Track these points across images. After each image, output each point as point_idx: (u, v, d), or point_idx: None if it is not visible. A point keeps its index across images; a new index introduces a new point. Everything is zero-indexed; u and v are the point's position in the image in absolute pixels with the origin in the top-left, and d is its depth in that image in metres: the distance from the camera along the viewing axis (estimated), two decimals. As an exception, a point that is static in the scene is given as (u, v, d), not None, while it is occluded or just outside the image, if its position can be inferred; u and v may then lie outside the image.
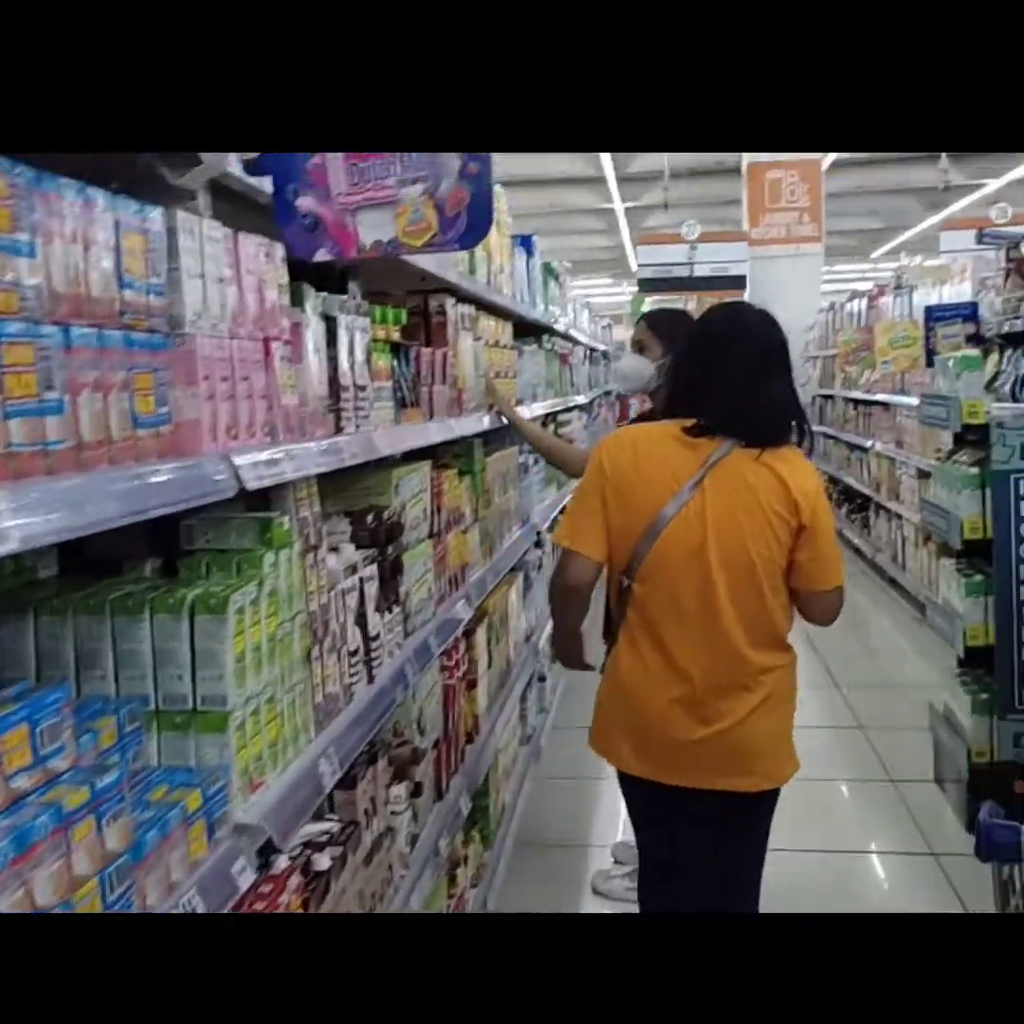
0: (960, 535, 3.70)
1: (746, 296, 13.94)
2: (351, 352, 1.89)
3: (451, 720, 2.75)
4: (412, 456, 2.61)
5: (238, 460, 1.27)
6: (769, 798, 2.25)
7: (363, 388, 1.96)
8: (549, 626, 4.88)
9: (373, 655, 2.00)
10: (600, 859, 3.76)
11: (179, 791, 1.17)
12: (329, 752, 1.60)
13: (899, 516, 7.57)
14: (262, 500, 1.60)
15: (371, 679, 1.99)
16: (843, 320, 9.74)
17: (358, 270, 2.31)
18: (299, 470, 1.51)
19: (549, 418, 5.33)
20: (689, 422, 2.17)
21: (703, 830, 2.24)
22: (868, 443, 8.55)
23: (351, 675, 1.88)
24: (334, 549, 1.99)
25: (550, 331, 5.38)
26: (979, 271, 6.09)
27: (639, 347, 3.45)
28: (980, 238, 9.77)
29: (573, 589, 2.24)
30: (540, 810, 4.14)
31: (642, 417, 3.40)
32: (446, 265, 2.68)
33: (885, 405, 7.91)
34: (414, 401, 2.41)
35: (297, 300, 1.61)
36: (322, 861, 1.69)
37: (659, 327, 3.47)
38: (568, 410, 5.83)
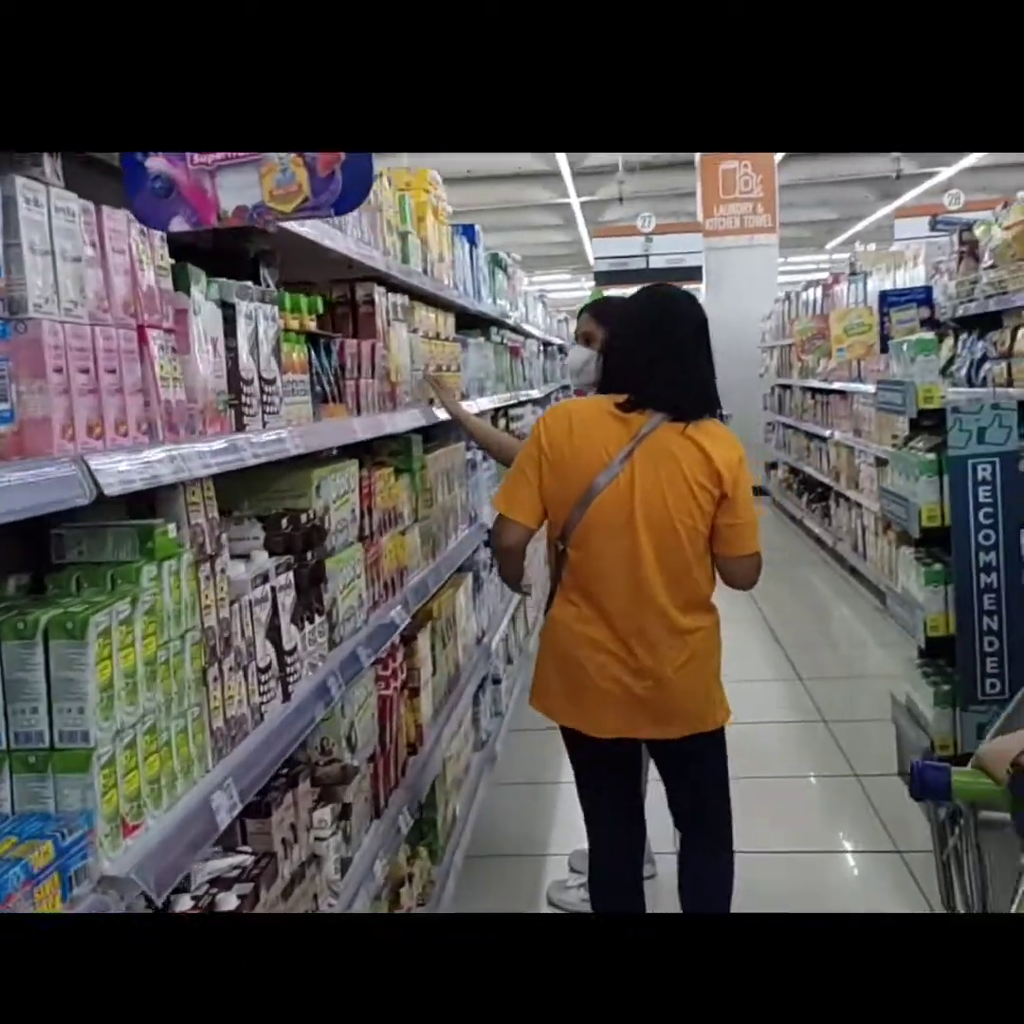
0: (918, 523, 3.59)
1: (702, 287, 13.88)
2: (255, 343, 1.73)
3: (389, 732, 2.60)
4: (344, 453, 2.47)
5: (96, 462, 1.11)
6: (710, 739, 2.42)
7: (271, 381, 1.80)
8: (502, 627, 4.75)
9: (289, 670, 1.85)
10: (556, 869, 3.63)
11: (26, 844, 1.02)
12: (227, 783, 1.44)
13: (859, 505, 7.50)
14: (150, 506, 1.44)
15: (287, 696, 1.84)
16: (799, 309, 9.68)
17: (273, 256, 2.15)
18: (181, 472, 1.35)
19: (499, 412, 5.18)
20: (621, 398, 2.31)
21: (670, 771, 2.50)
22: (827, 432, 8.49)
23: (262, 694, 1.73)
24: (245, 557, 1.84)
25: (498, 324, 5.23)
26: (932, 256, 6.02)
27: (586, 339, 3.32)
28: (934, 225, 9.75)
29: (507, 550, 2.46)
30: (495, 819, 4.00)
31: None
32: (373, 252, 2.53)
33: (842, 393, 7.84)
34: (337, 396, 2.26)
35: (182, 284, 1.45)
36: (228, 900, 1.54)
37: (604, 317, 3.34)
38: (520, 404, 5.69)
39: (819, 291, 8.82)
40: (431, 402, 3.35)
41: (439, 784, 3.21)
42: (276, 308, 1.84)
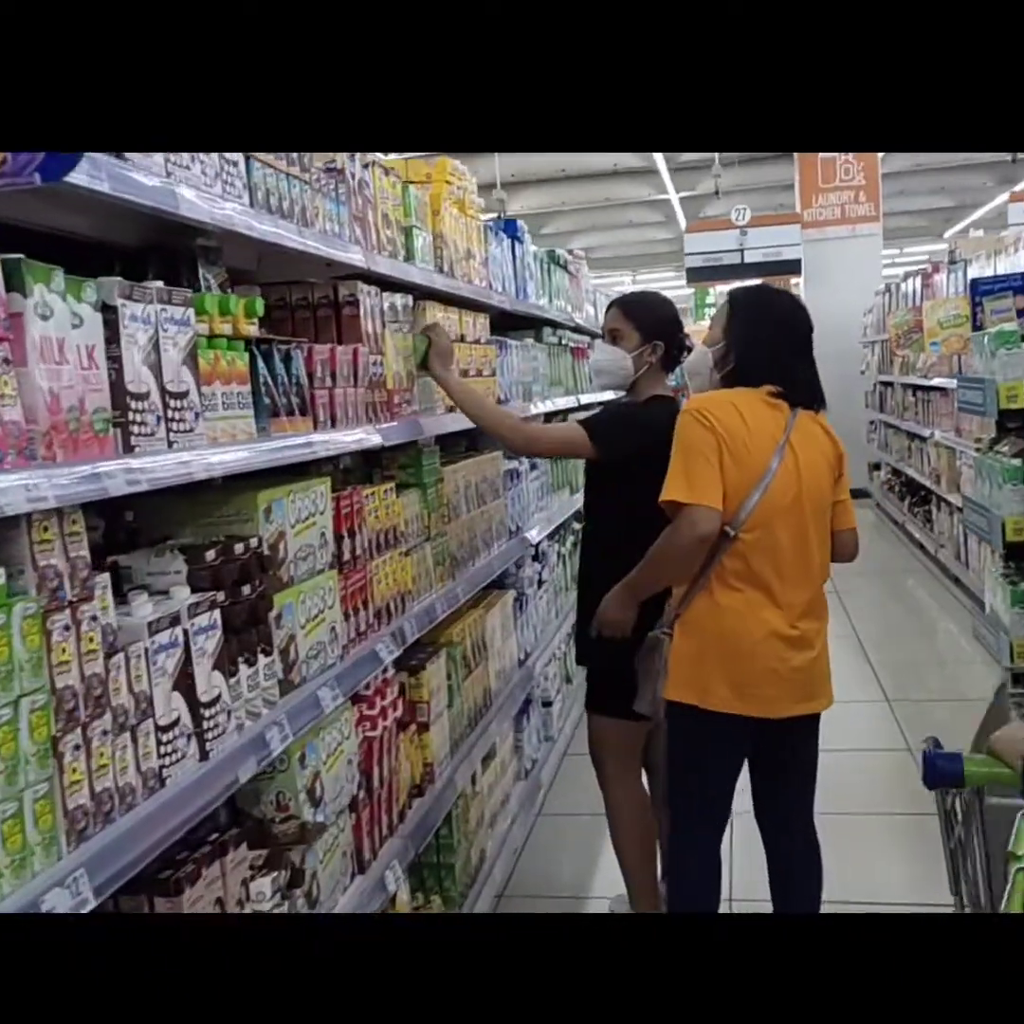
0: (1002, 536, 3.20)
1: (799, 280, 13.32)
2: (154, 351, 1.51)
3: (379, 777, 2.36)
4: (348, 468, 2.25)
5: None
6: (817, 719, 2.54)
7: (181, 394, 1.58)
8: (555, 644, 4.47)
9: (209, 725, 1.62)
10: (597, 912, 3.34)
11: None
12: (76, 876, 1.22)
13: (960, 510, 6.96)
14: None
15: (204, 755, 1.61)
16: (898, 301, 9.12)
17: (217, 253, 1.93)
18: (9, 507, 1.13)
19: (555, 418, 4.91)
20: (768, 389, 2.45)
21: (784, 758, 2.54)
22: (927, 432, 7.95)
23: (164, 755, 1.50)
24: (162, 593, 1.63)
25: (555, 324, 4.96)
26: (1036, 239, 5.49)
27: (613, 337, 3.03)
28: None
29: (702, 541, 2.35)
30: (536, 855, 3.73)
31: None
32: (347, 247, 2.30)
33: (943, 390, 7.30)
34: (300, 408, 2.02)
35: (17, 284, 1.23)
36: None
37: (634, 313, 3.06)
38: (583, 408, 5.38)
39: (918, 281, 8.27)
40: (451, 408, 3.10)
41: (459, 824, 2.96)
42: (191, 310, 1.61)
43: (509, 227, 4.02)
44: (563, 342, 5.08)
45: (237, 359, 1.79)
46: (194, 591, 1.67)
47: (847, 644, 6.40)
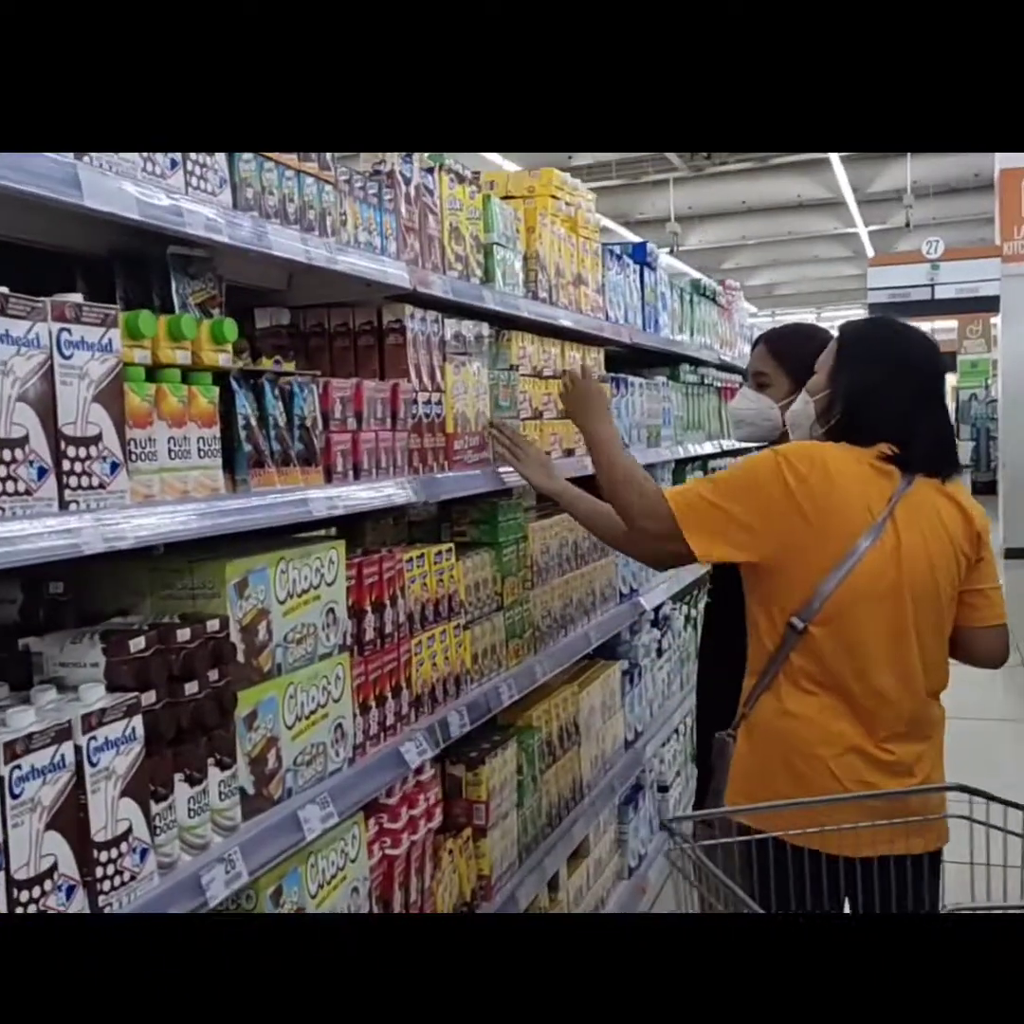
0: None
1: (997, 319, 12.24)
2: (41, 382, 1.16)
3: (401, 903, 1.94)
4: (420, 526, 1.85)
5: None
6: (939, 860, 1.97)
7: (87, 441, 1.22)
8: (677, 720, 3.95)
9: (106, 872, 1.24)
10: None
11: None
12: None
13: None
14: None
15: (96, 912, 1.23)
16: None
17: (205, 265, 1.59)
18: None
19: (692, 464, 4.41)
20: (879, 449, 1.96)
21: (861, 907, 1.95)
22: None
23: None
24: (67, 690, 1.27)
25: (696, 361, 4.47)
26: None
27: (759, 383, 2.54)
28: None
29: (644, 558, 2.21)
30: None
31: None
32: (384, 261, 1.92)
33: None
34: (299, 456, 1.65)
35: None
36: None
37: (785, 353, 2.54)
38: (727, 453, 4.85)
39: None
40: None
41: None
42: (113, 332, 1.25)
43: (637, 252, 3.58)
44: (705, 381, 4.57)
45: (199, 395, 1.42)
46: (114, 689, 1.31)
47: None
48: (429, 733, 1.99)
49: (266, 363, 1.72)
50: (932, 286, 11.86)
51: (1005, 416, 11.77)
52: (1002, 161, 11.43)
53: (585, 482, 2.81)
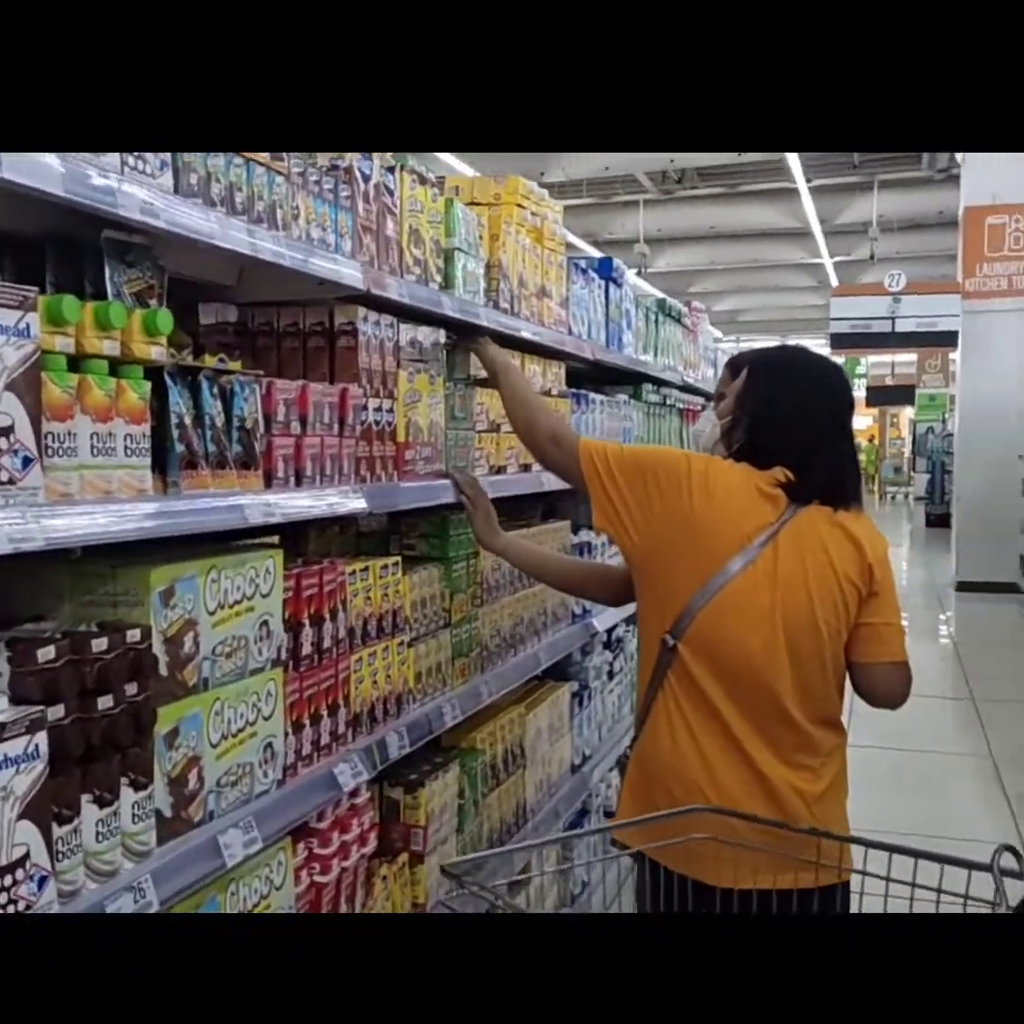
0: None
1: (956, 355, 12.38)
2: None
3: (330, 933, 1.85)
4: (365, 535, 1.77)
5: None
6: (836, 895, 1.81)
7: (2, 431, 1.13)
8: (616, 746, 3.89)
9: (-1, 898, 1.14)
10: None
11: None
12: None
13: None
14: None
15: (-15, 943, 1.13)
16: (1066, 381, 8.22)
17: (142, 253, 1.50)
18: None
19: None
20: (773, 475, 1.95)
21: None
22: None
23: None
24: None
25: (660, 382, 4.43)
26: None
27: (720, 402, 2.53)
28: None
29: (546, 458, 2.13)
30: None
31: None
32: (337, 260, 1.84)
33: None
34: (236, 459, 1.56)
35: None
36: None
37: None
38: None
39: (1091, 361, 7.39)
40: (500, 470, 2.61)
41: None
42: (31, 316, 1.16)
43: (603, 267, 3.53)
44: (668, 402, 4.54)
45: (128, 389, 1.34)
46: (18, 702, 1.21)
47: (979, 764, 5.58)
48: (366, 754, 1.90)
49: (210, 360, 1.63)
50: (893, 319, 11.98)
51: (960, 451, 11.90)
52: (967, 199, 11.59)
53: (540, 499, 2.74)
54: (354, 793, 1.93)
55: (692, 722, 1.91)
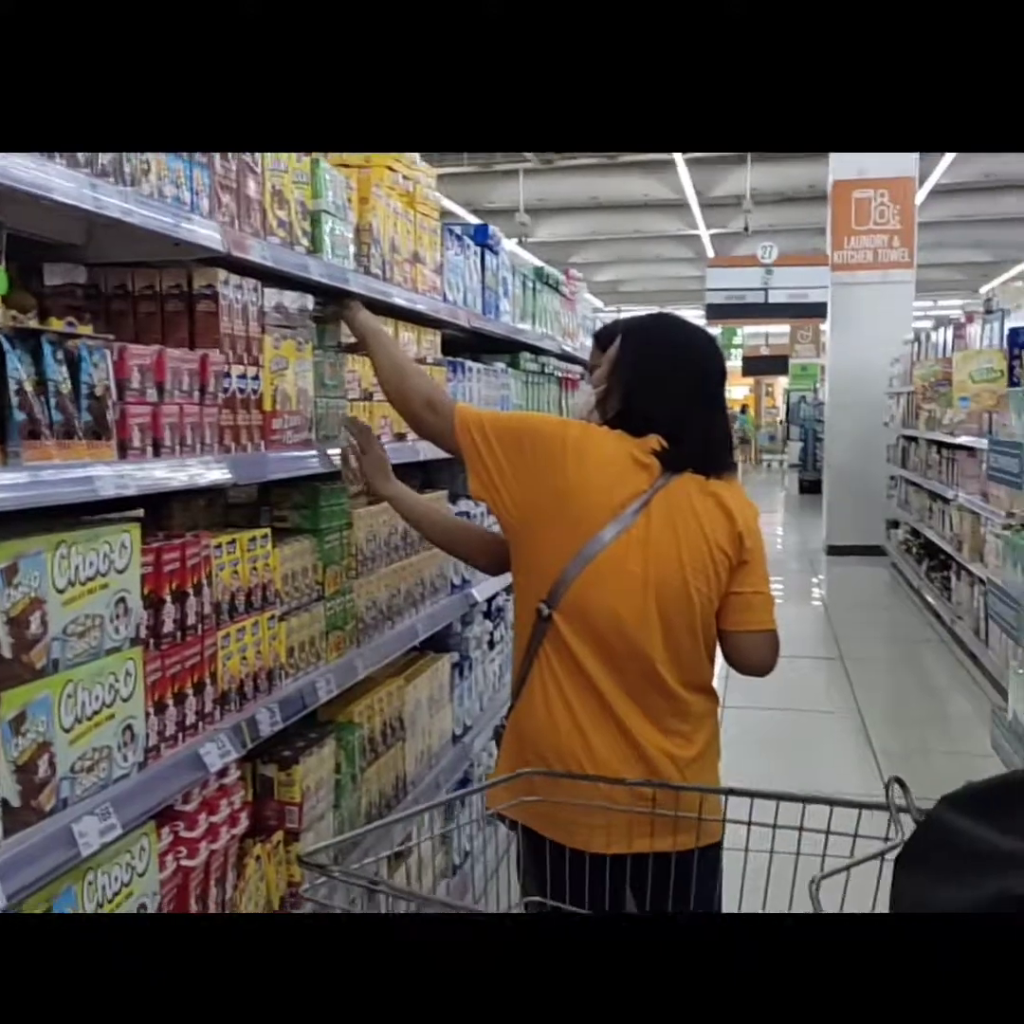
0: (1034, 636, 2.62)
1: (826, 326, 12.75)
2: None
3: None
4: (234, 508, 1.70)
5: None
6: (711, 856, 1.90)
7: None
8: (498, 715, 3.90)
9: None
10: None
11: None
12: None
13: (982, 581, 6.36)
14: None
15: None
16: (927, 352, 8.55)
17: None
18: None
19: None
20: (647, 441, 1.96)
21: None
22: (950, 493, 7.36)
23: None
24: None
25: (538, 351, 4.42)
26: (1084, 289, 4.92)
27: (591, 371, 2.54)
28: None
29: (421, 426, 2.12)
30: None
31: None
32: (192, 220, 1.76)
33: (970, 450, 6.72)
34: (86, 429, 1.48)
35: None
36: None
37: (605, 343, 2.56)
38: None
39: (950, 332, 7.70)
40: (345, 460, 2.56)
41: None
42: None
43: (478, 234, 3.49)
44: (546, 370, 4.53)
45: (-43, 353, 1.25)
46: None
47: (848, 721, 5.80)
48: (235, 732, 1.84)
49: (56, 324, 1.54)
50: (766, 290, 12.24)
51: (831, 419, 12.29)
52: (835, 173, 11.91)
53: (417, 469, 2.70)
54: (223, 773, 1.88)
55: (567, 689, 1.93)
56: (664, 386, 2.01)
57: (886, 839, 1.37)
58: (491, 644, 3.73)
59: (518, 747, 1.98)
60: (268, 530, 2.10)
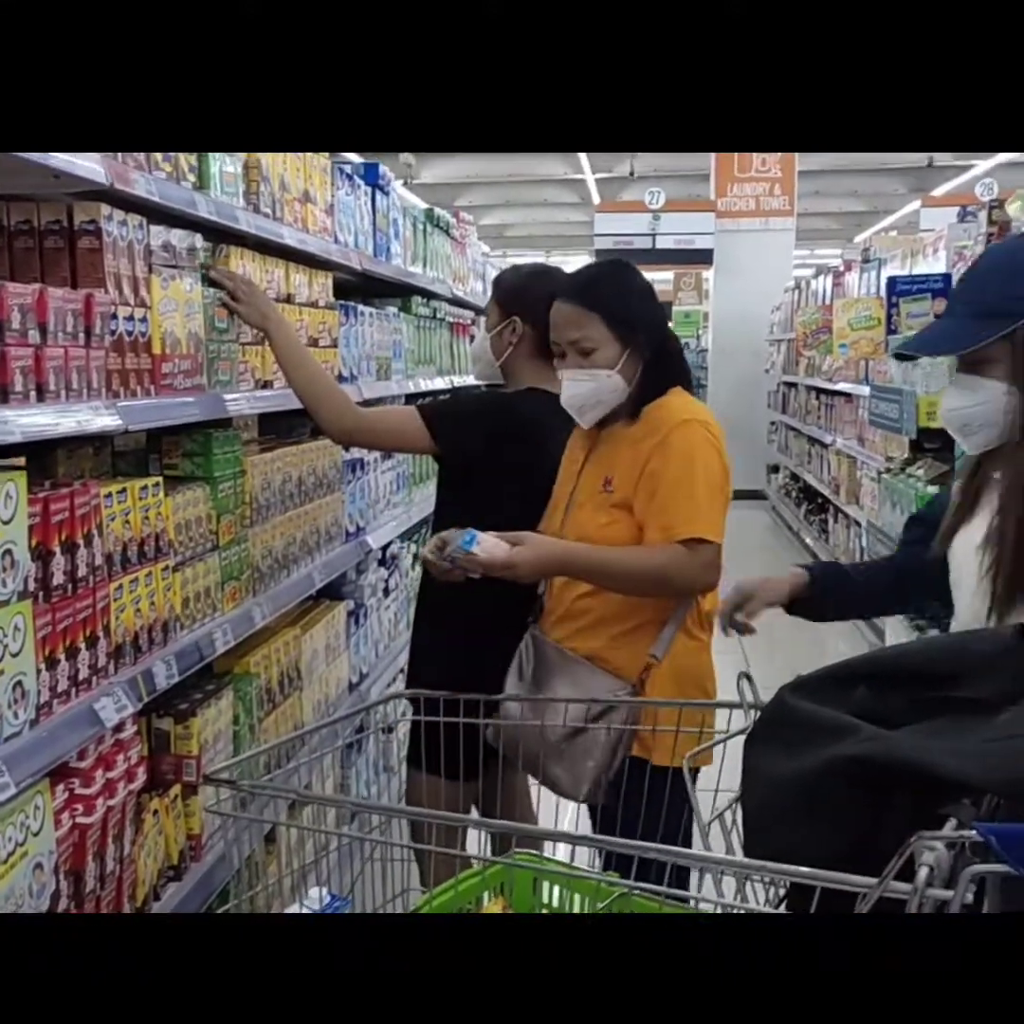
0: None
1: (710, 273, 12.94)
2: None
3: (95, 875, 1.76)
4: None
5: None
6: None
7: None
8: (393, 662, 3.91)
9: None
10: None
11: None
12: None
13: (858, 523, 6.62)
14: None
15: None
16: (807, 299, 8.77)
17: None
18: None
19: (427, 398, 4.31)
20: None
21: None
22: (828, 438, 7.61)
23: None
24: None
25: (430, 295, 4.37)
26: (956, 240, 5.10)
27: (484, 316, 2.56)
28: (963, 216, 8.82)
29: (711, 587, 2.13)
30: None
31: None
32: (107, 163, 1.67)
33: (848, 396, 6.95)
34: (-35, 372, 1.40)
35: None
36: None
37: (499, 287, 2.58)
38: (459, 390, 4.80)
39: (829, 280, 7.90)
40: (267, 384, 2.50)
41: (243, 900, 2.38)
42: None
43: (369, 173, 3.40)
44: (438, 315, 4.48)
45: None
46: None
47: (728, 656, 5.99)
48: (131, 686, 1.80)
49: (-75, 260, 1.45)
50: (654, 236, 12.33)
51: (713, 365, 12.53)
52: (719, 120, 12.00)
53: (310, 415, 2.66)
54: (119, 727, 1.83)
55: (706, 640, 2.23)
56: (671, 337, 2.21)
57: (744, 729, 1.55)
58: (386, 592, 3.72)
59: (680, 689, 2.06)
60: (159, 479, 2.03)
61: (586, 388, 2.10)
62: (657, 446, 2.04)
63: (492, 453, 2.38)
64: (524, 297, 2.47)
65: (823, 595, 1.94)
